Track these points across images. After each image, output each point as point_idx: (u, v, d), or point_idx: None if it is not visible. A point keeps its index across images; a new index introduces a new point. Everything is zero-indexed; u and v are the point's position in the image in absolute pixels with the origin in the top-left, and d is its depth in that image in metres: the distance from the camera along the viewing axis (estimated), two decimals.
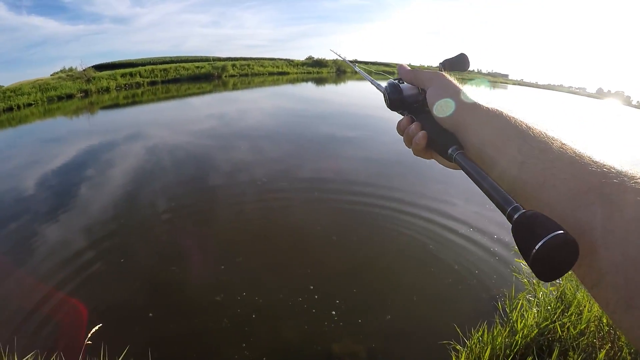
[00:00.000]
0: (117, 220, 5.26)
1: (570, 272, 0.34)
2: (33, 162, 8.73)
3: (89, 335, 2.24)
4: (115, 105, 21.12)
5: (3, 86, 22.39)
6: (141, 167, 7.86)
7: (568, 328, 2.45)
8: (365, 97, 20.09)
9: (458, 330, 2.74)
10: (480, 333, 2.59)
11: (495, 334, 2.53)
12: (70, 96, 23.25)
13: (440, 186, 6.46)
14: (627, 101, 59.42)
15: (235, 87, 28.39)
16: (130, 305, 3.52)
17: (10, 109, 19.12)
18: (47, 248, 4.57)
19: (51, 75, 27.15)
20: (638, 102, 57.31)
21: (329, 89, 29.94)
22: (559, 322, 2.49)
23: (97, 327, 2.31)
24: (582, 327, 2.42)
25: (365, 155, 8.59)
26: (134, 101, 22.43)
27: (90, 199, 6.17)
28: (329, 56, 47.17)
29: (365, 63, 64.40)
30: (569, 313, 2.57)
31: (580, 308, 2.58)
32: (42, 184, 7.05)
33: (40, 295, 3.63)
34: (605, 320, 2.44)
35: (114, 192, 6.35)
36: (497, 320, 2.84)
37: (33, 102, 20.53)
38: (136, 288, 3.78)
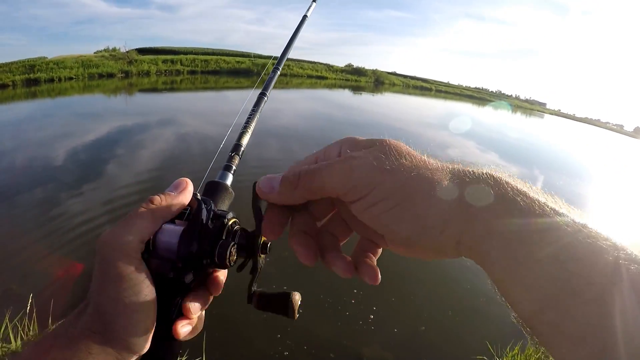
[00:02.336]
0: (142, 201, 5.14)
1: None
2: (66, 134, 8.72)
3: None
4: (154, 90, 21.41)
5: (47, 57, 22.98)
6: (170, 151, 7.75)
7: None
8: (401, 110, 19.74)
9: (490, 348, 2.86)
10: (515, 351, 2.78)
11: (528, 354, 2.70)
12: (111, 75, 23.74)
13: None
14: None
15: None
16: None
17: (52, 80, 19.59)
18: (67, 216, 4.62)
19: (94, 53, 27.76)
20: None
21: (366, 99, 29.68)
22: None
23: None
24: None
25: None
26: (172, 87, 22.72)
27: (115, 177, 6.11)
28: (368, 65, 47.13)
29: (405, 76, 64.17)
30: None
31: None
32: (71, 156, 7.04)
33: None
34: None
35: (139, 172, 6.29)
36: (530, 342, 2.84)
37: (74, 77, 21.01)
38: None
